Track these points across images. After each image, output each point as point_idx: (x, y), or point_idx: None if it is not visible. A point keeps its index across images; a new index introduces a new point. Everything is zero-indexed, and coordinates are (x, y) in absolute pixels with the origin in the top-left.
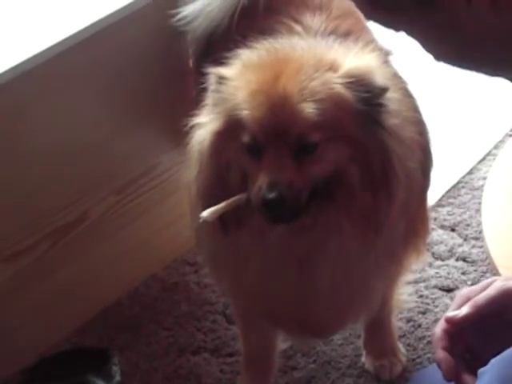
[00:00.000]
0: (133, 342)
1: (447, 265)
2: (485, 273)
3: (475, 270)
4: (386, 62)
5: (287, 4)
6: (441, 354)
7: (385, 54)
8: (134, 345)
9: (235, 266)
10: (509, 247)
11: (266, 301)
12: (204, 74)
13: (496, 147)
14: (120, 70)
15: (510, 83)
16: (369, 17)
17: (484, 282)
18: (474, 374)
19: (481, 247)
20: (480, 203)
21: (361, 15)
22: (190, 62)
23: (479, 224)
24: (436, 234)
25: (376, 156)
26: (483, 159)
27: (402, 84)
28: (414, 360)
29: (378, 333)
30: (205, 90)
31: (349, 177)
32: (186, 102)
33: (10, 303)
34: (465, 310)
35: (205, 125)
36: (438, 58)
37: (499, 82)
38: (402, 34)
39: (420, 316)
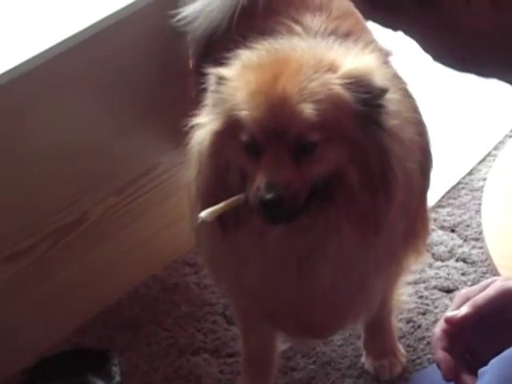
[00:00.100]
0: (133, 343)
1: (447, 266)
2: (485, 273)
3: (475, 271)
4: (386, 63)
5: (287, 4)
6: (440, 354)
7: (385, 55)
8: (134, 345)
9: (234, 266)
10: (509, 248)
11: (266, 301)
12: (204, 75)
13: (496, 148)
14: (120, 71)
15: (508, 85)
16: (367, 17)
17: (483, 282)
18: (474, 374)
19: (481, 248)
20: (480, 204)
21: (361, 16)
22: (190, 63)
23: (479, 225)
24: (436, 235)
25: (375, 157)
26: (483, 160)
27: (401, 85)
28: (413, 361)
29: (378, 333)
30: (205, 90)
31: (348, 177)
32: (186, 102)
33: (10, 303)
34: (464, 310)
35: (204, 125)
36: (435, 58)
37: (499, 82)
38: (401, 34)
39: (420, 317)
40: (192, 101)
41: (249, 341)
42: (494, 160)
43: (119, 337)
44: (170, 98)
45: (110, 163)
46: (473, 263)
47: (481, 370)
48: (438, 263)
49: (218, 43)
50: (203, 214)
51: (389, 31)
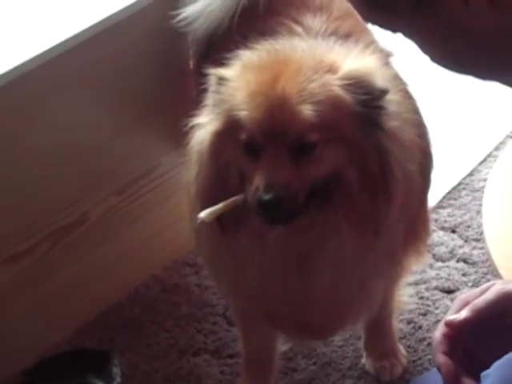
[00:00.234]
0: (133, 344)
1: (448, 266)
2: (485, 274)
3: (476, 272)
4: (387, 64)
5: (287, 5)
6: (441, 358)
7: (385, 56)
8: (134, 346)
9: (234, 267)
10: (509, 248)
11: (265, 302)
12: (204, 75)
13: (497, 149)
14: (121, 71)
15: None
16: (366, 19)
17: (483, 286)
18: (474, 378)
19: (481, 249)
20: (481, 205)
21: None
22: (191, 63)
23: (480, 225)
24: (437, 236)
25: (374, 158)
26: (484, 161)
27: (402, 86)
28: (414, 361)
29: (379, 334)
30: (205, 90)
31: (347, 178)
32: (187, 102)
33: (10, 304)
34: (464, 314)
35: (204, 125)
36: (435, 60)
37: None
38: (401, 36)
39: (420, 317)
40: (192, 101)
41: (249, 342)
42: (495, 161)
43: (119, 337)
44: (171, 98)
45: (110, 163)
46: (473, 264)
47: (484, 373)
48: (439, 264)
49: (219, 44)
50: (202, 214)
51: (389, 33)
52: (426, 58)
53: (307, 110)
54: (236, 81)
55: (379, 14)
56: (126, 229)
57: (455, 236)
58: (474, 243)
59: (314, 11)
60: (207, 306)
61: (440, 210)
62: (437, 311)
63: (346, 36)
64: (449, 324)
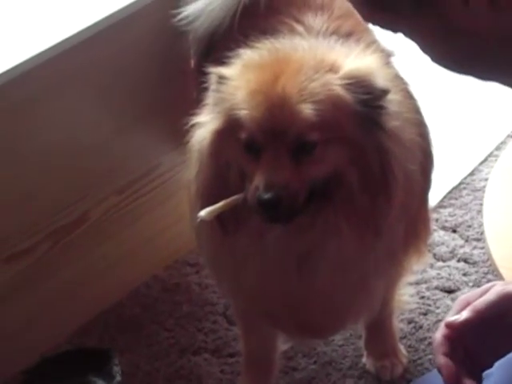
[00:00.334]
0: (134, 343)
1: (448, 266)
2: (486, 274)
3: (476, 271)
4: (388, 64)
5: (289, 4)
6: (441, 359)
7: (386, 56)
8: (134, 345)
9: (234, 266)
10: (510, 248)
11: (265, 302)
12: (205, 74)
13: (497, 148)
14: (121, 70)
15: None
16: (367, 19)
17: (484, 287)
18: (475, 380)
19: (482, 248)
20: (481, 204)
21: None
22: (192, 62)
23: (480, 225)
24: (437, 235)
25: (375, 158)
26: (485, 160)
27: (403, 85)
28: (415, 361)
29: (379, 334)
30: (206, 89)
31: (347, 178)
32: (187, 102)
33: (10, 303)
34: (465, 315)
35: (205, 124)
36: (435, 60)
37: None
38: (402, 35)
39: (421, 317)
40: (193, 100)
41: (249, 341)
42: (496, 160)
43: (120, 337)
44: (171, 97)
45: (110, 163)
46: (474, 263)
47: (486, 372)
48: (440, 263)
49: (220, 42)
50: (202, 213)
51: (389, 32)
52: (427, 58)
53: (307, 110)
54: (236, 80)
55: (380, 14)
56: (127, 228)
57: (456, 236)
58: (474, 243)
59: (315, 10)
60: (208, 306)
61: (441, 210)
62: (437, 311)
63: (347, 35)
64: (449, 325)
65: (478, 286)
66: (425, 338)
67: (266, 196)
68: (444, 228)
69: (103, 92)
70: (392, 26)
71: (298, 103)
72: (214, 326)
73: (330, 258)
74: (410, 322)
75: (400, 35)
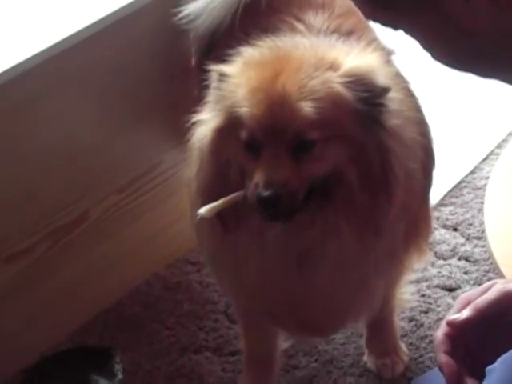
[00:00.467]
0: (135, 341)
1: (449, 264)
2: (487, 272)
3: (477, 270)
4: (388, 62)
5: (289, 2)
6: (443, 358)
7: (387, 54)
8: (136, 344)
9: (234, 264)
10: (511, 246)
11: (266, 300)
12: (206, 72)
13: (499, 147)
14: (122, 69)
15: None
16: (367, 16)
17: (485, 285)
18: (476, 378)
19: (483, 247)
20: (482, 203)
21: None
22: (193, 60)
23: (481, 223)
24: (438, 234)
25: (375, 156)
26: (486, 159)
27: (403, 83)
28: (416, 359)
29: (380, 332)
30: (207, 87)
31: (347, 177)
32: (189, 100)
33: (11, 303)
34: (466, 313)
35: (206, 122)
36: (436, 58)
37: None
38: (403, 33)
39: (422, 315)
40: (195, 98)
41: (250, 339)
42: (497, 159)
43: (121, 335)
44: (173, 95)
45: (111, 162)
46: (475, 262)
47: (489, 368)
48: (441, 262)
49: (221, 41)
50: (202, 210)
51: (390, 30)
52: (428, 56)
53: (307, 107)
54: (237, 77)
55: (381, 11)
56: (127, 227)
57: (457, 234)
58: (475, 241)
59: (316, 9)
60: (209, 304)
61: (442, 208)
62: (438, 309)
63: (348, 34)
64: (450, 323)
65: (479, 285)
66: (426, 336)
67: (266, 193)
68: (445, 226)
69: (104, 90)
70: (393, 23)
71: (297, 101)
72: (215, 324)
73: (330, 256)
74: (410, 320)
75: (401, 33)
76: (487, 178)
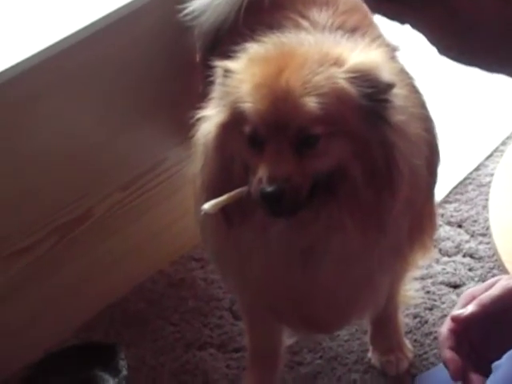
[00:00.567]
0: (140, 338)
1: (454, 261)
2: (492, 269)
3: (482, 267)
4: (393, 58)
5: None
6: (448, 353)
7: (392, 50)
8: (140, 340)
9: (239, 260)
10: None
11: (270, 296)
12: (211, 68)
13: (503, 143)
14: (126, 66)
15: None
16: (374, 10)
17: (489, 281)
18: (481, 374)
19: (488, 243)
20: (487, 199)
21: (368, 11)
22: (197, 57)
23: (486, 220)
24: (443, 231)
25: (379, 152)
26: (490, 155)
27: (408, 80)
28: (420, 356)
29: (385, 328)
30: (212, 83)
31: (351, 172)
32: (193, 96)
33: (16, 299)
34: (470, 309)
35: (210, 117)
36: (442, 52)
37: (506, 77)
38: (408, 29)
39: (427, 312)
40: (199, 95)
41: (255, 336)
42: (502, 155)
43: (126, 332)
44: (177, 92)
45: (115, 159)
46: (480, 258)
47: (495, 364)
48: (445, 258)
49: (225, 37)
50: (206, 205)
51: (396, 26)
52: (433, 53)
53: (311, 103)
54: (241, 73)
55: (386, 4)
56: (132, 224)
57: (461, 231)
58: (480, 238)
59: (321, 5)
60: (213, 301)
61: (446, 205)
62: (443, 306)
63: (353, 30)
64: (455, 319)
65: (484, 281)
66: (430, 333)
67: (269, 189)
68: (449, 223)
69: (108, 88)
70: (399, 17)
71: (301, 96)
72: (220, 321)
73: (334, 252)
74: (415, 316)
75: (405, 29)
76: (492, 174)
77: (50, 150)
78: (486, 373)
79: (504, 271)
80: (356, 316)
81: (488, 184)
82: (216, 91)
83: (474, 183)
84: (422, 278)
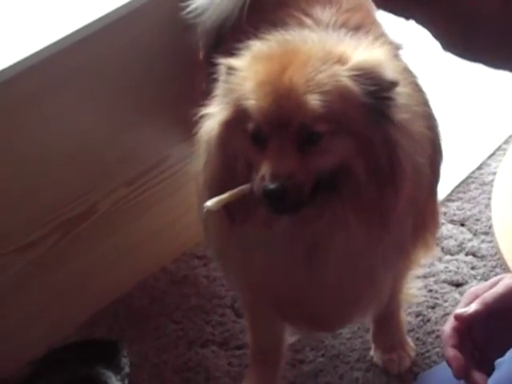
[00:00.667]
0: (142, 335)
1: (456, 259)
2: (494, 268)
3: (484, 265)
4: (396, 56)
5: None
6: (451, 352)
7: (395, 48)
8: (143, 337)
9: (241, 258)
10: None
11: (272, 294)
12: (214, 66)
13: (506, 142)
14: (130, 63)
15: None
16: (379, 5)
17: (492, 280)
18: (484, 372)
19: (490, 242)
20: (489, 198)
21: (371, 9)
22: (201, 55)
23: (489, 219)
24: (445, 229)
25: (382, 150)
26: (493, 154)
27: (411, 78)
28: (422, 354)
29: (387, 327)
30: (215, 81)
31: (354, 170)
32: (196, 94)
33: (19, 295)
34: (473, 307)
35: (213, 115)
36: (446, 48)
37: (509, 75)
38: (412, 28)
39: (429, 310)
40: (202, 92)
41: (257, 333)
42: (504, 154)
43: (128, 328)
44: (180, 90)
45: (119, 155)
46: (482, 257)
47: (498, 360)
48: (448, 257)
49: (228, 35)
50: (209, 203)
51: (399, 24)
52: (436, 51)
53: (314, 100)
54: (245, 71)
55: (393, 0)
56: (135, 220)
57: (464, 229)
58: (482, 236)
59: (324, 3)
60: (215, 298)
61: (449, 204)
62: (445, 304)
63: (356, 28)
64: (458, 317)
65: (486, 280)
66: (432, 331)
67: (272, 186)
68: (452, 222)
69: (112, 85)
70: (404, 12)
71: (304, 94)
72: (222, 318)
73: (338, 250)
74: (417, 315)
75: (411, 24)
76: (494, 173)
77: (55, 147)
78: (489, 371)
79: (506, 270)
80: (359, 314)
81: (490, 183)
82: (219, 89)
83: (476, 182)
84: (425, 277)
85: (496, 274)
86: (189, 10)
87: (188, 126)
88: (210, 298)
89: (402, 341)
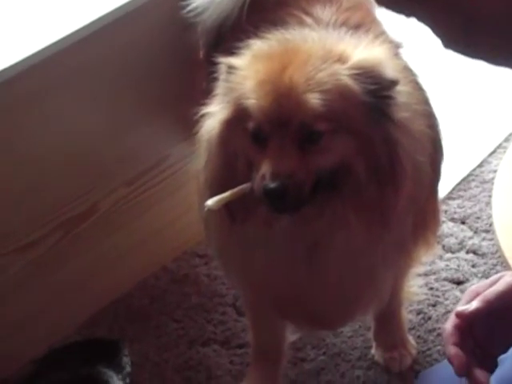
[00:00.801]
0: (143, 334)
1: (457, 257)
2: (495, 265)
3: (485, 263)
4: (397, 55)
5: None
6: (452, 349)
7: (395, 47)
8: (144, 336)
9: (242, 257)
10: None
11: (273, 292)
12: (214, 65)
13: (506, 140)
14: (130, 62)
15: None
16: (381, 2)
17: (493, 277)
18: (485, 370)
19: (491, 240)
20: (490, 196)
21: (371, 7)
22: (201, 54)
23: (489, 217)
24: (446, 227)
25: (383, 149)
26: (493, 152)
27: (412, 77)
28: (423, 352)
29: (388, 325)
30: (215, 80)
31: (355, 169)
32: (197, 93)
33: (20, 294)
34: (475, 305)
35: (214, 114)
36: (448, 45)
37: (510, 73)
38: (412, 26)
39: (430, 308)
40: (203, 92)
41: (258, 332)
42: (505, 152)
43: (129, 327)
44: (181, 89)
45: (120, 154)
46: (483, 255)
47: (501, 357)
48: (449, 255)
49: (228, 34)
50: (210, 202)
51: (399, 23)
52: (436, 49)
53: (314, 99)
54: (245, 70)
55: None
56: (136, 220)
57: (465, 227)
58: (483, 234)
59: (324, 2)
60: (216, 297)
61: (450, 202)
62: (446, 302)
63: (356, 27)
64: (459, 315)
65: (487, 278)
66: (434, 329)
67: (272, 185)
68: (453, 219)
69: (113, 84)
70: (405, 10)
71: (304, 92)
72: (223, 317)
73: (338, 248)
74: (418, 313)
75: (411, 21)
76: (495, 171)
77: (55, 147)
78: (491, 368)
79: (507, 268)
80: (360, 312)
81: (491, 181)
82: (220, 88)
83: (477, 180)
84: (426, 275)
85: (497, 272)
86: (189, 9)
87: (188, 125)
88: (211, 296)
89: (403, 339)
